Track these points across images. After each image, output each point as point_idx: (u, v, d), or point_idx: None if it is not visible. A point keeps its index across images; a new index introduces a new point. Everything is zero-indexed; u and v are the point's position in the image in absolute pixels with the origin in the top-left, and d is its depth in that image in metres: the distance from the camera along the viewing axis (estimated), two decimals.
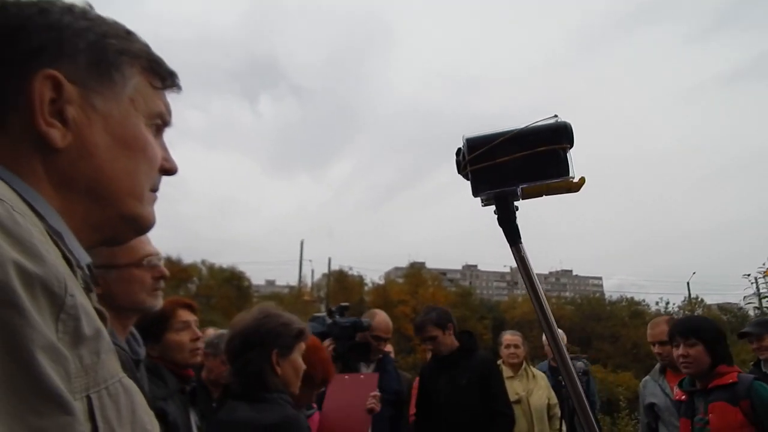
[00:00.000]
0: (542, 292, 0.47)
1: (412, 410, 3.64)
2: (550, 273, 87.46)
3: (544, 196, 0.52)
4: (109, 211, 0.62)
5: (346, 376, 2.37)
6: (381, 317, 3.33)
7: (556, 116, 0.51)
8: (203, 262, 29.95)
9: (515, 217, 0.50)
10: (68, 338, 0.47)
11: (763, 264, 6.00)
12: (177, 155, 0.71)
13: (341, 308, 3.18)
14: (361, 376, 2.39)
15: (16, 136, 0.56)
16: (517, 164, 0.50)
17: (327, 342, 2.92)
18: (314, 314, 3.24)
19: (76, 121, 0.58)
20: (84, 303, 0.51)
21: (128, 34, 0.66)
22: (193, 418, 1.91)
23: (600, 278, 79.14)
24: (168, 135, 0.71)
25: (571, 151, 0.49)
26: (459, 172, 0.52)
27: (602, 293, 61.39)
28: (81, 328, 0.49)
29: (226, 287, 28.09)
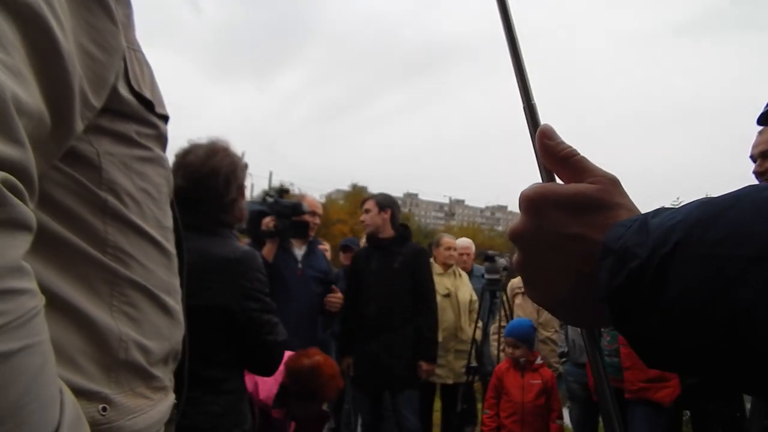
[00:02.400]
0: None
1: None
2: (486, 207, 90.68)
3: None
4: None
5: None
6: (310, 198, 3.50)
7: None
8: None
9: None
10: None
11: (678, 198, 6.52)
12: None
13: (281, 190, 3.25)
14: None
15: None
16: None
17: (268, 219, 2.98)
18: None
19: None
20: None
21: None
22: None
23: None
24: None
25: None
26: None
27: None
28: None
29: None
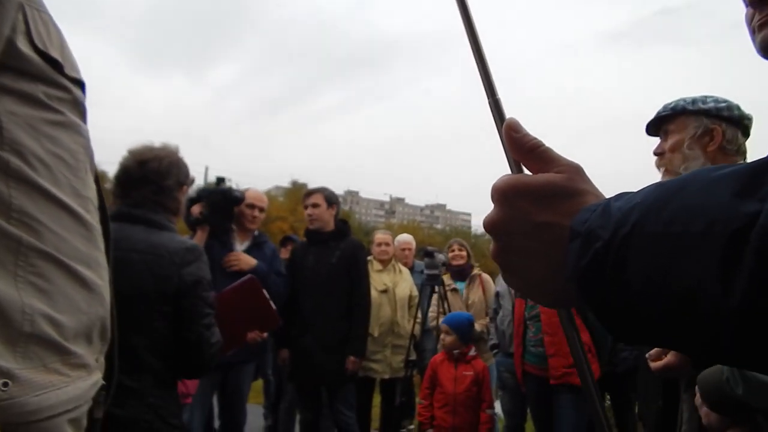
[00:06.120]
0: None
1: None
2: (426, 206, 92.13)
3: None
4: None
5: (228, 292, 2.37)
6: (254, 190, 3.37)
7: None
8: None
9: None
10: None
11: None
12: None
13: (219, 179, 3.17)
14: (240, 284, 2.43)
15: None
16: None
17: (196, 207, 2.91)
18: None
19: None
20: None
21: None
22: None
23: (470, 214, 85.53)
24: None
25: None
26: None
27: (470, 227, 66.76)
28: None
29: None
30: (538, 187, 0.41)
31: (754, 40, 0.72)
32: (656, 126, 1.54)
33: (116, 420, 0.74)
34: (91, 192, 0.67)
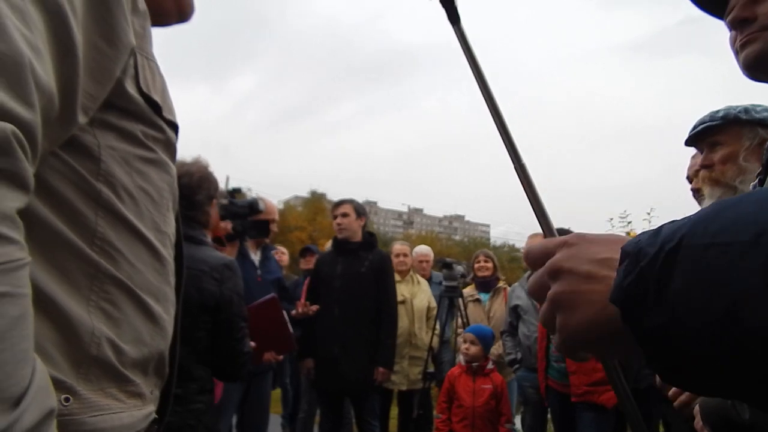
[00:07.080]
0: (483, 72, 0.49)
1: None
2: (444, 216, 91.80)
3: None
4: None
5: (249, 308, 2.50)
6: (269, 202, 3.46)
7: None
8: None
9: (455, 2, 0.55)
10: (128, 1, 0.58)
11: (624, 211, 6.73)
12: None
13: (232, 190, 3.25)
14: (263, 302, 2.52)
15: None
16: None
17: (223, 223, 2.96)
18: None
19: None
20: None
21: None
22: None
23: (488, 225, 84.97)
24: None
25: None
26: None
27: (488, 239, 66.26)
28: (138, 1, 0.61)
29: None
30: (601, 235, 0.43)
31: (738, 61, 0.72)
32: (700, 137, 1.43)
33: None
34: (171, 229, 0.70)
